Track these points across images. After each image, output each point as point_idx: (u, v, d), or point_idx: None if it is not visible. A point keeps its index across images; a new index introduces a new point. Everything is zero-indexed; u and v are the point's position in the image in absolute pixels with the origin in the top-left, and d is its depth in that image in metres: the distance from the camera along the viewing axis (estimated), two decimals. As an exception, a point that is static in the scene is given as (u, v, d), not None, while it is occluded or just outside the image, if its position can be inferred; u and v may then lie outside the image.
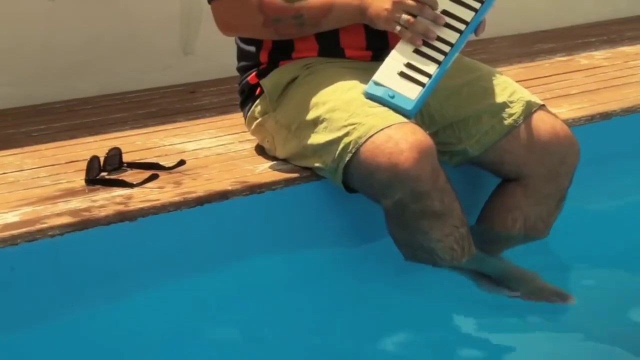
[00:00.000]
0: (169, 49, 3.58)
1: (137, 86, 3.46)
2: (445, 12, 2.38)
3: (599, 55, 3.72)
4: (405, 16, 2.32)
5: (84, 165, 2.49)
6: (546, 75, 3.45)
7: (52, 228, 2.18)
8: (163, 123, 3.03)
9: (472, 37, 2.43)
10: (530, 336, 2.20)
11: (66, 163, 2.65)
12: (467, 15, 2.38)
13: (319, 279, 2.42)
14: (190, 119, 3.07)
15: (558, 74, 3.45)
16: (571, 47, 3.87)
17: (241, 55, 2.59)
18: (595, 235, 2.63)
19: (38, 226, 2.18)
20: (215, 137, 2.86)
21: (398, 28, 2.33)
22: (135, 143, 2.82)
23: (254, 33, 2.48)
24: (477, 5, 2.39)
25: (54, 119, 3.13)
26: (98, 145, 2.77)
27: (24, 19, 3.32)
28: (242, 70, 2.60)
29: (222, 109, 3.15)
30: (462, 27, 2.37)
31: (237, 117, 2.83)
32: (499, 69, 2.66)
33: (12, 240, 2.14)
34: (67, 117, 3.16)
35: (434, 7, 2.34)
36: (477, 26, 2.40)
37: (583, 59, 3.68)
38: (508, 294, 2.28)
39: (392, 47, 2.39)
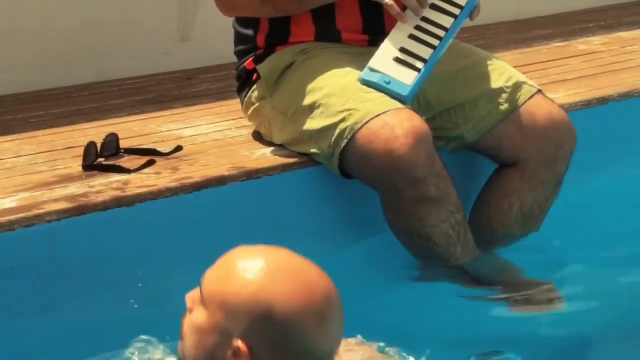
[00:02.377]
0: (166, 35, 3.58)
1: (135, 72, 3.46)
2: None
3: (596, 41, 3.72)
4: None
5: (81, 151, 2.50)
6: (543, 60, 3.45)
7: (49, 213, 2.19)
8: (160, 109, 3.04)
9: (468, 22, 2.44)
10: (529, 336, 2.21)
11: (63, 149, 2.65)
12: None
13: (315, 263, 2.42)
14: (188, 105, 3.07)
15: (555, 60, 3.45)
16: (568, 32, 3.87)
17: (238, 39, 2.60)
18: (592, 220, 2.64)
19: (35, 211, 2.19)
20: (213, 123, 2.86)
21: (387, 0, 2.33)
22: (133, 129, 2.82)
23: (253, 11, 2.48)
24: None
25: (51, 105, 3.14)
26: (95, 132, 2.77)
27: (21, 5, 3.32)
28: (240, 54, 2.60)
29: (219, 95, 3.15)
30: (456, 11, 2.38)
31: (234, 103, 2.84)
32: (496, 55, 2.66)
33: (9, 226, 2.14)
34: (65, 104, 3.16)
35: None
36: (471, 10, 2.40)
37: (580, 44, 3.68)
38: (490, 289, 2.29)
39: (388, 32, 2.40)
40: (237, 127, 2.78)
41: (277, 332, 1.61)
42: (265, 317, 1.61)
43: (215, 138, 2.71)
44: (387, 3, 2.34)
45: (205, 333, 1.68)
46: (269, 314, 1.61)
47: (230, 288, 1.65)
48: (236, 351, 1.63)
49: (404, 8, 2.37)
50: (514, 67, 2.61)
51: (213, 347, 1.67)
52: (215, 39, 3.27)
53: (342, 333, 1.69)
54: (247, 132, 2.72)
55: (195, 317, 1.69)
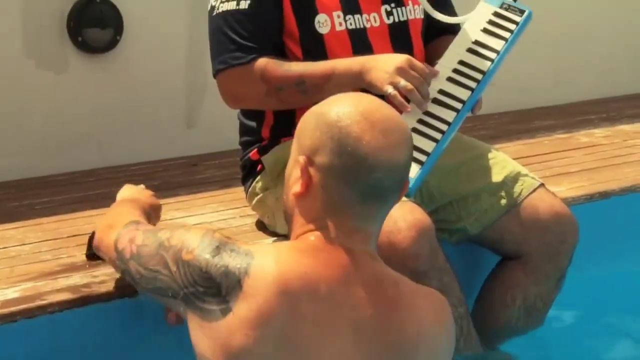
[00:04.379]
0: (172, 122, 3.61)
1: (141, 158, 3.48)
2: (442, 92, 2.40)
3: (598, 133, 3.73)
4: (404, 82, 2.34)
5: (86, 239, 2.49)
6: (546, 152, 3.46)
7: (51, 305, 2.19)
8: (165, 196, 3.03)
9: (470, 113, 2.46)
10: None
11: (68, 237, 2.66)
12: (464, 94, 2.41)
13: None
14: (192, 192, 3.08)
15: (558, 152, 3.46)
16: (571, 124, 3.88)
17: (243, 130, 2.62)
18: (595, 316, 2.63)
19: (38, 303, 2.19)
20: (217, 211, 2.87)
21: (390, 90, 2.33)
22: (137, 217, 2.82)
23: (258, 103, 2.51)
24: (473, 84, 2.42)
25: (56, 192, 3.15)
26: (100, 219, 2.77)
27: (28, 91, 3.36)
28: (245, 145, 2.62)
29: (224, 183, 3.17)
30: (458, 105, 2.40)
31: (239, 191, 2.84)
32: (498, 146, 2.68)
33: (11, 317, 2.14)
34: (70, 190, 3.17)
35: (429, 82, 2.37)
36: (473, 105, 2.43)
37: (583, 136, 3.70)
38: None
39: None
40: (241, 216, 2.79)
41: (326, 134, 1.73)
42: (318, 122, 1.76)
43: (219, 227, 2.72)
44: (390, 93, 2.35)
45: (287, 171, 1.80)
46: (320, 118, 1.76)
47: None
48: (301, 167, 1.74)
49: (406, 100, 2.39)
50: (517, 158, 2.62)
51: (290, 178, 1.78)
52: (221, 126, 3.29)
53: (402, 159, 1.76)
54: (251, 221, 2.72)
55: None
